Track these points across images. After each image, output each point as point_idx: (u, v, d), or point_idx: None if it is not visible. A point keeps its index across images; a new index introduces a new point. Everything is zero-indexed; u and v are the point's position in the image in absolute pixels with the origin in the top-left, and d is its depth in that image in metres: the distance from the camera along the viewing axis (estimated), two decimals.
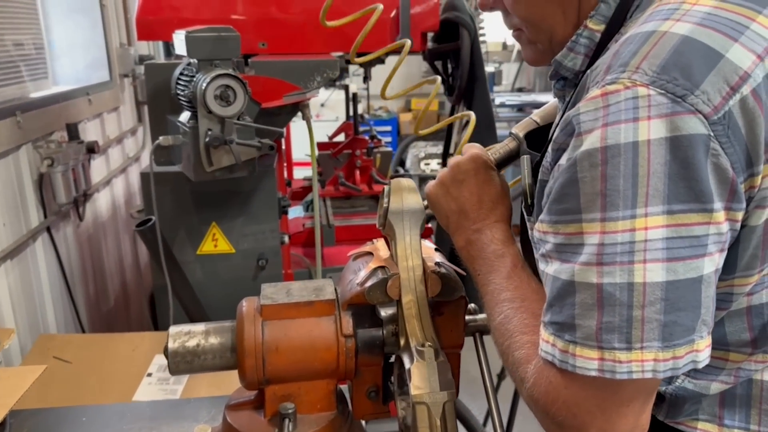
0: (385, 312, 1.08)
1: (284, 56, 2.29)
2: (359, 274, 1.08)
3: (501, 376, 2.47)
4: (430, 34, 2.77)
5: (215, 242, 2.35)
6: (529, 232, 0.98)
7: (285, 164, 3.40)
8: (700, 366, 0.76)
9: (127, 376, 1.94)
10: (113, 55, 3.24)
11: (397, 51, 1.52)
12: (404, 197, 1.10)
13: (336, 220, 3.21)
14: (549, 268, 0.81)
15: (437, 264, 1.07)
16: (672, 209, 0.72)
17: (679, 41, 0.75)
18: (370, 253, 1.13)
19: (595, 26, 0.90)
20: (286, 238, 2.49)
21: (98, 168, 2.97)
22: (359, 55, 1.48)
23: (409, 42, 1.31)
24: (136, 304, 3.43)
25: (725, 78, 0.73)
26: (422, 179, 6.57)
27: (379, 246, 1.15)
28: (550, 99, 1.20)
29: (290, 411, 1.01)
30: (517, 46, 7.83)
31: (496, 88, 7.33)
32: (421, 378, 0.94)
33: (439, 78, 1.37)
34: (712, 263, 0.74)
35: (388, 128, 7.79)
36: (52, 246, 2.42)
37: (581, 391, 0.77)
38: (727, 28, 0.76)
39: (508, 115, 6.60)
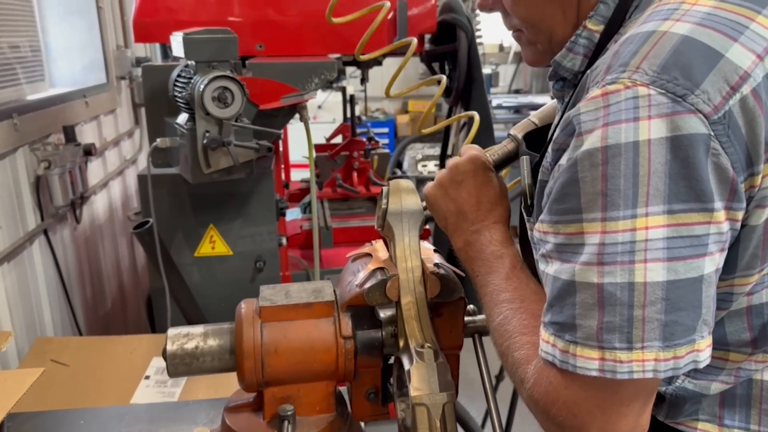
0: (384, 313, 1.08)
1: (282, 58, 2.29)
2: (358, 276, 1.07)
3: (499, 378, 2.47)
4: (427, 36, 2.78)
5: (213, 244, 2.34)
6: (529, 233, 0.98)
7: (282, 166, 3.39)
8: (701, 366, 0.75)
9: (124, 378, 1.94)
10: (110, 57, 3.24)
11: (396, 52, 1.52)
12: (403, 198, 1.10)
13: (334, 221, 3.21)
14: (549, 269, 0.81)
15: (436, 265, 1.07)
16: (672, 209, 0.72)
17: (679, 41, 0.75)
18: (368, 255, 1.13)
19: (594, 27, 0.90)
20: (284, 240, 2.49)
21: (95, 170, 2.96)
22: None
23: (415, 40, 1.31)
24: (133, 306, 3.42)
25: (725, 78, 0.73)
26: (420, 181, 6.56)
27: (378, 247, 1.15)
28: (547, 101, 1.20)
29: (289, 413, 1.01)
30: (514, 47, 7.89)
31: (493, 90, 7.35)
32: (420, 379, 0.94)
33: (444, 77, 1.36)
34: (712, 263, 0.74)
35: (385, 130, 7.80)
36: (49, 249, 2.41)
37: (582, 391, 0.77)
38: (726, 28, 0.76)
39: (505, 117, 6.62)
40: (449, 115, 3.06)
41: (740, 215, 0.76)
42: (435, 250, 1.15)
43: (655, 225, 0.72)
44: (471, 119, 2.61)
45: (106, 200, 3.14)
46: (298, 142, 3.06)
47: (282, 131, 2.44)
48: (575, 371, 0.76)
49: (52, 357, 2.01)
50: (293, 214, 3.33)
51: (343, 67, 2.63)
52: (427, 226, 1.40)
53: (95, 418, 1.60)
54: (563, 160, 0.80)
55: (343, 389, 1.15)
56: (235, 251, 2.36)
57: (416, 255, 1.06)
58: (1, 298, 2.03)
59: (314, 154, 2.53)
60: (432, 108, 1.40)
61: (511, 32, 1.03)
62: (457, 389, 1.05)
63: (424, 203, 1.14)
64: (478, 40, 2.91)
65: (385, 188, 1.12)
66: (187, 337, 1.04)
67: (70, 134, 2.50)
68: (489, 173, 1.10)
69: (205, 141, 1.89)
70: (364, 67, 3.05)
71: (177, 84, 2.01)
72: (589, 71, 0.85)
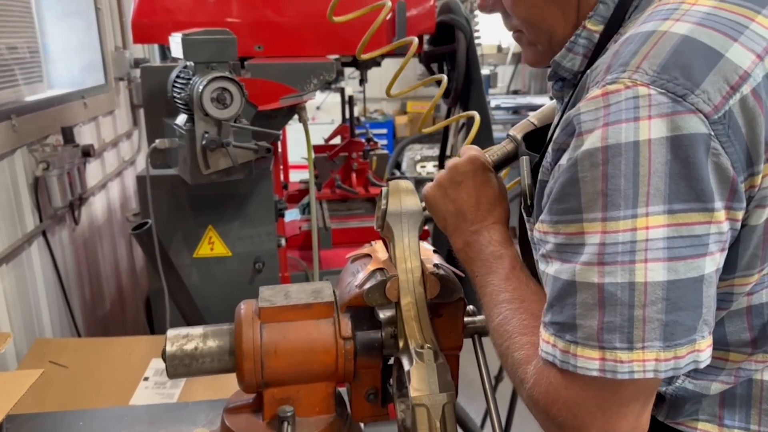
0: (383, 314, 1.08)
1: (280, 59, 2.29)
2: (358, 276, 1.07)
3: (498, 378, 2.47)
4: (426, 37, 2.78)
5: (212, 245, 2.34)
6: (529, 233, 0.98)
7: (281, 167, 3.39)
8: (702, 366, 0.75)
9: (123, 380, 1.93)
10: (108, 58, 3.24)
11: (395, 53, 1.52)
12: (402, 199, 1.10)
13: (332, 222, 3.21)
14: (549, 269, 0.81)
15: (436, 266, 1.07)
16: (673, 209, 0.72)
17: (679, 41, 0.75)
18: (368, 255, 1.13)
19: (594, 27, 0.90)
20: (283, 241, 2.49)
21: (94, 171, 2.96)
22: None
23: (416, 40, 1.31)
24: (132, 307, 3.42)
25: (725, 77, 0.73)
26: (418, 182, 6.56)
27: (378, 248, 1.15)
28: (545, 101, 1.20)
29: (289, 414, 1.01)
30: (512, 48, 7.89)
31: (491, 91, 7.36)
32: (420, 380, 0.94)
33: (445, 77, 1.36)
34: (713, 263, 0.74)
35: (384, 131, 7.79)
36: (47, 250, 2.41)
37: (582, 391, 0.77)
38: (726, 28, 0.76)
39: (503, 118, 6.63)
40: (448, 116, 3.05)
41: (740, 215, 0.76)
42: (434, 251, 1.14)
43: (655, 225, 0.72)
44: (470, 120, 2.61)
45: (104, 201, 3.14)
46: (297, 143, 3.06)
47: (281, 132, 2.44)
48: (575, 371, 0.76)
49: (50, 358, 2.01)
50: (292, 215, 3.33)
51: (342, 68, 2.62)
52: (426, 227, 1.40)
53: (94, 419, 1.60)
54: (563, 160, 0.80)
55: (343, 390, 1.15)
56: (234, 252, 2.36)
57: (416, 256, 1.06)
58: None
59: (313, 155, 2.53)
60: (432, 108, 1.40)
61: (511, 33, 1.03)
62: (457, 390, 1.05)
63: (424, 204, 1.14)
64: (476, 41, 2.91)
65: (384, 189, 1.12)
66: (186, 338, 1.04)
67: (68, 135, 2.50)
68: (488, 174, 1.10)
69: (204, 142, 1.88)
70: (363, 68, 3.05)
71: (176, 85, 2.01)
72: (588, 71, 0.85)
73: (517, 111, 6.74)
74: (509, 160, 1.16)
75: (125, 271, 3.40)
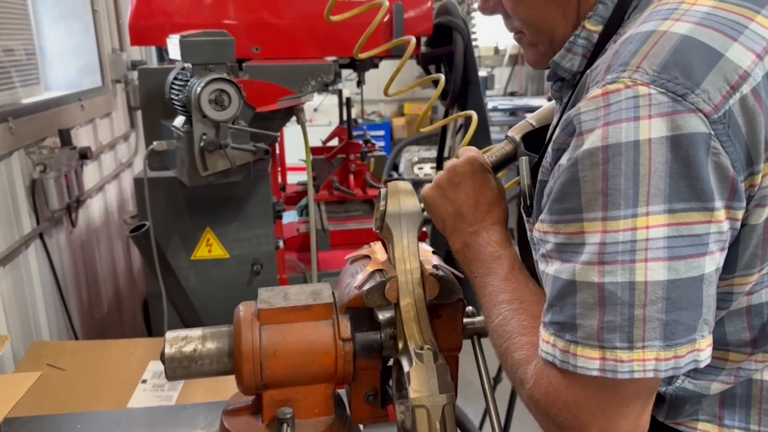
0: (383, 315, 1.08)
1: (278, 60, 2.29)
2: (357, 278, 1.07)
3: (497, 380, 2.46)
4: (423, 39, 2.78)
5: (209, 247, 2.34)
6: (528, 233, 0.98)
7: (279, 169, 3.39)
8: (702, 365, 0.75)
9: (121, 382, 1.93)
10: (105, 60, 3.23)
11: (392, 54, 1.52)
12: (401, 200, 1.10)
13: (330, 224, 3.21)
14: (549, 268, 0.81)
15: (435, 267, 1.07)
16: (673, 208, 0.72)
17: (679, 41, 0.75)
18: (367, 257, 1.13)
19: (593, 27, 0.90)
20: (281, 243, 2.49)
21: (91, 174, 2.95)
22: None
23: (414, 39, 1.31)
24: (129, 310, 3.41)
25: (725, 77, 0.73)
26: (416, 183, 6.57)
27: (377, 249, 1.15)
28: (542, 103, 1.20)
29: (288, 416, 1.00)
30: (509, 50, 7.89)
31: (488, 92, 7.37)
32: (420, 381, 0.94)
33: (442, 76, 1.36)
34: (713, 262, 0.74)
35: (382, 132, 7.80)
36: (44, 252, 2.40)
37: (582, 391, 0.77)
38: (726, 28, 0.76)
39: (500, 119, 6.64)
40: (445, 118, 3.06)
41: (740, 214, 0.76)
42: (433, 252, 1.14)
43: (655, 224, 0.72)
44: (467, 121, 2.61)
45: (102, 204, 3.13)
46: (295, 145, 3.05)
47: (279, 134, 2.44)
48: (576, 371, 0.76)
49: (48, 361, 2.00)
50: (290, 216, 3.33)
51: (339, 69, 2.63)
52: (424, 229, 1.40)
53: (92, 422, 1.59)
54: (563, 160, 0.80)
55: (342, 392, 1.14)
56: (232, 254, 2.35)
57: (415, 257, 1.06)
58: None
59: (311, 156, 2.53)
60: (430, 108, 1.40)
61: (512, 34, 1.03)
62: (456, 391, 1.05)
63: (422, 205, 1.13)
64: (473, 43, 2.91)
65: (383, 190, 1.12)
66: (185, 340, 1.03)
67: (65, 138, 2.49)
68: (487, 175, 1.10)
69: (201, 144, 1.88)
70: (361, 69, 3.05)
71: (173, 87, 2.00)
72: (588, 71, 0.85)
73: (514, 113, 6.75)
74: (508, 161, 1.16)
75: (123, 274, 3.39)
